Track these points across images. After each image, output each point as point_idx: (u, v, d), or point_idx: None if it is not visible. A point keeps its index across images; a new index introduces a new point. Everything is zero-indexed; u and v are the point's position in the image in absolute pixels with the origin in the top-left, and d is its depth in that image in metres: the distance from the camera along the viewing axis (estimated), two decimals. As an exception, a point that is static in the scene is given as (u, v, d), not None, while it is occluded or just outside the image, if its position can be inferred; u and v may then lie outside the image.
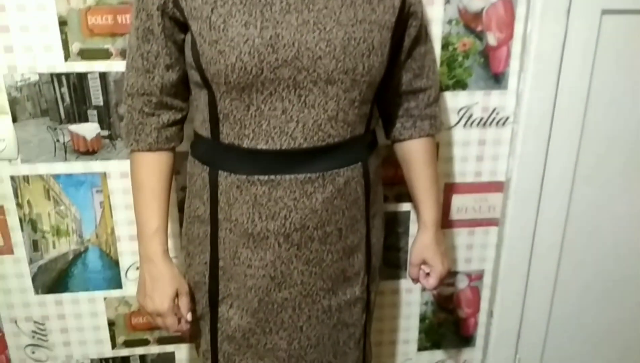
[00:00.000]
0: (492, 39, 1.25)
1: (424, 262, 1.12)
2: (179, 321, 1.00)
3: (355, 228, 1.00)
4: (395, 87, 1.03)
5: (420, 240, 1.11)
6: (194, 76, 0.91)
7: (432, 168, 1.09)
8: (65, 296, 1.35)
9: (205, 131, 0.94)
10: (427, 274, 1.13)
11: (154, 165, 0.97)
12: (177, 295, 0.99)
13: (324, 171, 0.92)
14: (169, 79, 0.93)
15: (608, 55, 1.28)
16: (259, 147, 0.89)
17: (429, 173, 1.09)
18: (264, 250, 0.95)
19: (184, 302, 0.99)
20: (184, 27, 0.89)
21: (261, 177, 0.91)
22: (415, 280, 1.15)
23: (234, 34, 0.82)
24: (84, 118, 1.20)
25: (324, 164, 0.92)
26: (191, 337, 1.17)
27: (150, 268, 0.97)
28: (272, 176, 0.91)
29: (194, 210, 1.00)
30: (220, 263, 0.98)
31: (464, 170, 1.36)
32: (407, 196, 1.34)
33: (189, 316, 1.00)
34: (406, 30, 0.97)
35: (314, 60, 0.84)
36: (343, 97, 0.89)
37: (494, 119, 1.32)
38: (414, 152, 1.08)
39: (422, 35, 1.02)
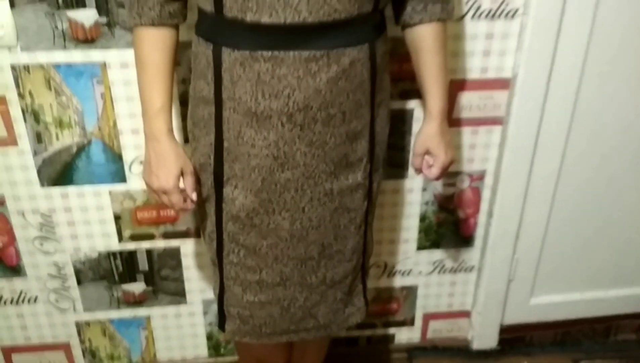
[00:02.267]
0: None
1: (428, 152, 1.11)
2: (184, 200, 1.01)
3: (359, 113, 0.99)
4: None
5: (425, 129, 1.11)
6: None
7: (442, 55, 1.07)
8: (70, 189, 1.36)
9: (209, 5, 0.91)
10: (430, 165, 1.13)
11: (157, 41, 0.95)
12: (182, 174, 1.00)
13: (329, 49, 0.90)
14: None
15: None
16: (262, 20, 0.87)
17: (438, 60, 1.06)
18: (267, 130, 0.94)
19: (189, 181, 1.01)
20: None
21: (264, 53, 0.89)
22: (419, 170, 1.15)
23: None
24: (81, 4, 1.17)
25: (330, 42, 0.90)
26: (199, 219, 1.19)
27: (155, 146, 0.98)
28: (276, 52, 0.89)
29: (199, 91, 0.99)
30: (225, 144, 0.98)
31: (470, 66, 1.34)
32: (412, 93, 1.34)
33: (193, 196, 1.01)
34: None
35: None
36: None
37: (503, 10, 1.28)
38: (423, 38, 1.05)
39: None
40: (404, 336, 1.71)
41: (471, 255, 1.61)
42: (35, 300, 1.50)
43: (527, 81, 1.34)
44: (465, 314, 1.70)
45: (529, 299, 1.68)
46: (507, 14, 1.28)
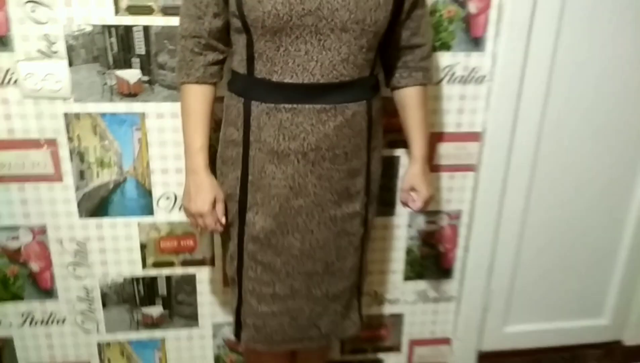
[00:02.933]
0: (472, 7, 1.49)
1: (412, 188, 1.36)
2: (215, 223, 1.24)
3: (358, 154, 1.24)
4: (396, 42, 1.27)
5: (411, 170, 1.36)
6: (236, 22, 1.14)
7: (424, 111, 1.34)
8: (105, 220, 1.58)
9: (242, 69, 1.18)
10: (414, 200, 1.37)
11: (200, 95, 1.20)
12: (215, 201, 1.23)
13: (336, 103, 1.16)
14: (216, 25, 1.16)
15: (571, 24, 1.52)
16: (285, 81, 1.13)
17: (420, 115, 1.33)
18: (286, 165, 1.19)
19: (220, 207, 1.24)
20: None
21: (286, 105, 1.15)
22: (405, 204, 1.40)
23: None
24: (128, 65, 1.42)
25: (336, 98, 1.16)
26: (222, 242, 1.40)
27: (194, 178, 1.22)
28: (295, 105, 1.15)
29: (229, 136, 1.24)
30: (250, 178, 1.22)
31: (447, 121, 1.61)
32: (399, 143, 1.59)
33: (223, 219, 1.25)
34: None
35: (332, 11, 1.08)
36: (354, 43, 1.12)
37: (473, 77, 1.56)
38: (408, 97, 1.32)
39: (419, 0, 1.25)
40: (391, 361, 1.90)
41: (451, 286, 1.82)
42: (63, 322, 1.68)
43: (494, 134, 1.60)
44: (447, 341, 1.90)
45: (503, 327, 1.89)
46: (476, 80, 1.56)
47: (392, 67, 1.31)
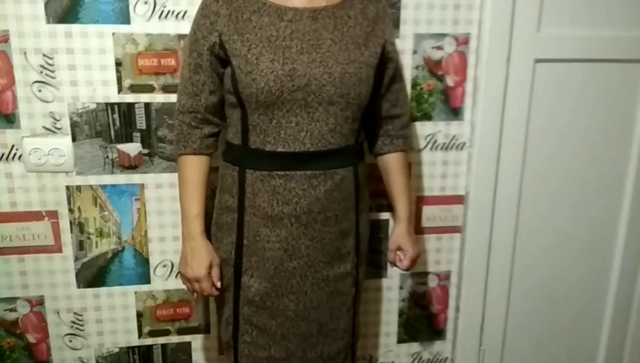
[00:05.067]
0: (450, 81, 1.61)
1: (399, 248, 1.43)
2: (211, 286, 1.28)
3: (347, 216, 1.31)
4: (377, 113, 1.37)
5: (397, 230, 1.43)
6: (231, 98, 1.24)
7: (405, 175, 1.43)
8: (102, 290, 1.61)
9: (237, 140, 1.26)
10: (401, 259, 1.44)
11: (197, 165, 1.28)
12: (211, 266, 1.28)
13: (326, 169, 1.25)
14: (212, 101, 1.26)
15: (541, 92, 1.64)
16: (277, 150, 1.21)
17: (402, 179, 1.42)
18: (279, 228, 1.25)
19: (215, 271, 1.29)
20: (225, 63, 1.22)
21: (279, 172, 1.23)
22: (392, 263, 1.46)
23: (263, 67, 1.16)
24: (129, 139, 1.51)
25: (326, 165, 1.24)
26: (217, 307, 1.42)
27: (191, 244, 1.27)
28: (287, 172, 1.23)
29: (224, 203, 1.30)
30: (245, 242, 1.28)
31: (431, 185, 1.69)
32: (387, 207, 1.66)
33: (218, 284, 1.29)
34: (385, 70, 1.32)
35: (320, 87, 1.18)
36: (340, 115, 1.22)
37: (453, 144, 1.66)
38: (391, 163, 1.41)
39: (397, 75, 1.37)
40: None
41: (444, 347, 1.85)
42: (57, 395, 1.67)
43: (477, 196, 1.69)
44: (443, 404, 1.90)
45: (497, 388, 1.90)
46: (457, 146, 1.66)
47: (375, 135, 1.41)
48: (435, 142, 1.65)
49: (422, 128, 1.63)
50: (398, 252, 1.44)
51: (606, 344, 1.91)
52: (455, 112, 1.64)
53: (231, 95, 1.23)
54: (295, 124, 1.20)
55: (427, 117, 1.62)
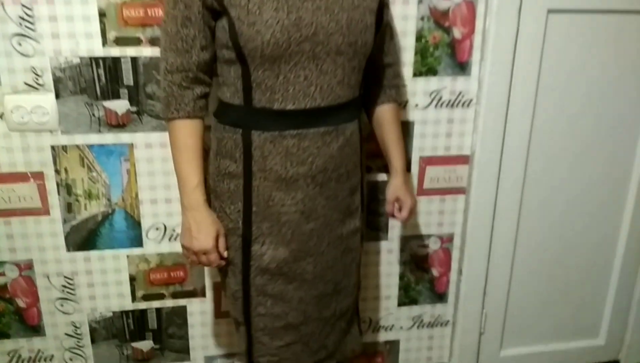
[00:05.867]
0: (457, 33, 1.51)
1: (397, 199, 1.38)
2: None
3: (355, 171, 1.26)
4: (373, 62, 1.28)
5: (393, 182, 1.39)
6: (227, 54, 1.13)
7: (399, 126, 1.38)
8: (93, 253, 1.55)
9: (237, 100, 1.16)
10: (399, 210, 1.39)
11: (192, 130, 1.17)
12: (217, 236, 1.19)
13: (337, 124, 1.18)
14: (204, 58, 1.14)
15: (554, 46, 1.55)
16: (287, 108, 1.13)
17: (396, 130, 1.37)
18: (295, 191, 1.18)
19: (222, 241, 1.21)
20: (217, 14, 1.12)
21: (292, 131, 1.14)
22: (391, 215, 1.41)
23: (267, 17, 1.06)
24: (116, 96, 1.42)
25: (337, 119, 1.17)
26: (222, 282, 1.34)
27: (194, 215, 1.18)
28: (300, 131, 1.15)
29: (224, 169, 1.20)
30: (254, 209, 1.19)
31: (435, 145, 1.61)
32: (388, 168, 1.59)
33: (225, 253, 1.21)
34: (382, 17, 1.23)
35: (327, 36, 1.09)
36: (347, 66, 1.14)
37: (459, 101, 1.57)
38: (384, 114, 1.36)
39: (390, 22, 1.31)
40: (388, 389, 1.87)
41: (446, 310, 1.81)
42: (51, 359, 1.63)
43: (483, 156, 1.61)
44: (443, 367, 1.88)
45: (499, 351, 1.87)
46: (463, 104, 1.58)
47: (368, 86, 1.33)
48: (440, 99, 1.56)
49: (427, 84, 1.54)
50: (395, 203, 1.40)
51: (611, 309, 1.87)
52: (462, 67, 1.54)
53: (228, 50, 1.12)
54: (304, 79, 1.11)
55: (432, 72, 1.53)
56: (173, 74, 1.15)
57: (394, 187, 1.38)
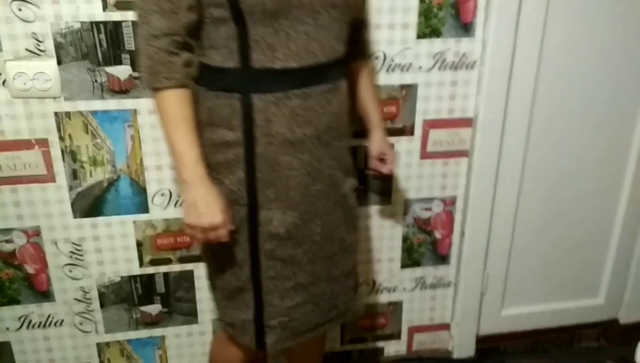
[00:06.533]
0: (461, -7, 1.49)
1: (381, 153, 1.40)
2: None
3: (348, 130, 1.27)
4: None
5: (375, 138, 1.41)
6: (219, 13, 1.06)
7: (372, 82, 1.41)
8: (99, 219, 1.56)
9: (231, 62, 1.09)
10: (385, 163, 1.41)
11: (184, 99, 1.09)
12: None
13: (335, 81, 1.17)
14: (191, 20, 1.06)
15: (558, 7, 1.53)
16: (291, 66, 1.09)
17: (371, 86, 1.39)
18: (302, 152, 1.16)
19: (228, 214, 1.14)
20: None
21: (296, 91, 1.11)
22: (375, 170, 1.43)
23: None
24: (118, 61, 1.41)
25: (335, 76, 1.16)
26: (220, 253, 1.26)
27: (198, 190, 1.10)
28: (304, 90, 1.12)
29: (219, 139, 1.14)
30: (258, 175, 1.15)
31: (439, 108, 1.61)
32: (392, 132, 1.59)
33: (232, 226, 1.16)
34: None
35: None
36: (341, 19, 1.13)
37: (463, 63, 1.57)
38: (360, 70, 1.36)
39: None
40: (392, 349, 1.91)
41: (448, 272, 1.83)
42: (61, 324, 1.66)
43: (486, 119, 1.61)
44: (446, 326, 1.91)
45: (500, 311, 1.91)
46: (467, 66, 1.57)
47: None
48: (444, 61, 1.55)
49: (430, 46, 1.53)
50: (379, 160, 1.42)
51: (611, 268, 1.91)
52: (465, 28, 1.53)
53: (219, 9, 1.06)
54: (304, 34, 1.08)
55: (435, 33, 1.52)
56: (159, 39, 1.05)
57: (378, 143, 1.40)
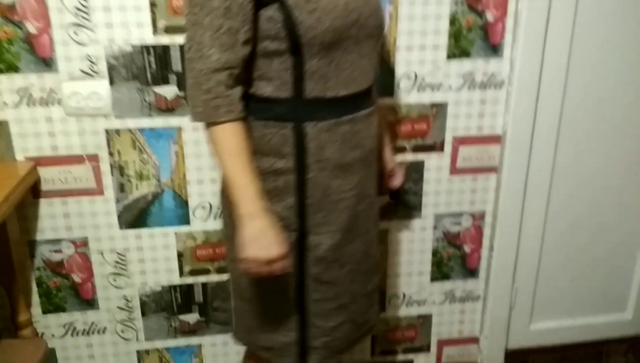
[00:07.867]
0: (490, 16, 1.56)
1: (392, 170, 1.49)
2: None
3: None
4: None
5: (387, 155, 1.47)
6: (275, 45, 1.08)
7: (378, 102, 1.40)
8: (143, 231, 1.64)
9: (284, 92, 1.12)
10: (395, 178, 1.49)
11: (241, 132, 1.10)
12: None
13: (372, 105, 1.24)
14: (246, 53, 1.08)
15: (584, 27, 1.59)
16: (340, 94, 1.13)
17: (378, 106, 1.33)
18: (352, 175, 1.20)
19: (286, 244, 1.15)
20: (261, 4, 1.06)
21: (346, 117, 1.16)
22: (388, 188, 1.50)
23: (325, 3, 1.06)
24: (165, 81, 1.50)
25: (370, 101, 1.23)
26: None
27: (261, 223, 1.10)
28: (353, 115, 1.18)
29: (268, 167, 1.15)
30: (307, 201, 1.17)
31: (468, 125, 1.67)
32: (422, 148, 1.66)
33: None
34: None
35: (366, 19, 1.13)
36: (375, 48, 1.21)
37: (492, 82, 1.63)
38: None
39: None
40: (421, 361, 1.94)
41: (477, 285, 1.87)
42: (104, 331, 1.74)
43: (514, 136, 1.67)
44: (475, 340, 1.94)
45: (528, 325, 1.93)
46: (495, 85, 1.63)
47: None
48: (473, 80, 1.62)
49: (460, 66, 1.60)
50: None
51: (639, 281, 1.92)
52: (494, 49, 1.59)
53: (276, 41, 1.08)
54: (351, 64, 1.14)
55: (465, 54, 1.59)
56: (220, 73, 1.05)
57: (390, 160, 1.48)
